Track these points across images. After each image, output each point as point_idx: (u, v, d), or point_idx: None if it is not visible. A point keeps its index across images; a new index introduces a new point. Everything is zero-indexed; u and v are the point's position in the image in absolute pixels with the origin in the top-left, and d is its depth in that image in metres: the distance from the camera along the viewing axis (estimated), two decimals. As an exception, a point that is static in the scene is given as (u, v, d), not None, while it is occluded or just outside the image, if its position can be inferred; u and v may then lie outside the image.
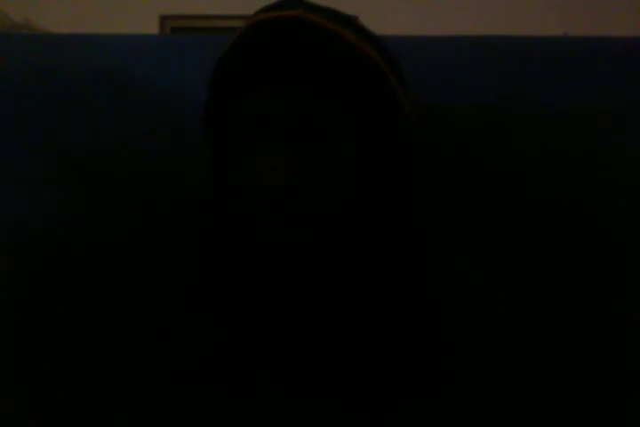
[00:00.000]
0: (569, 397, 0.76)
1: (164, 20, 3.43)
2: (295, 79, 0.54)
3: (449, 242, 0.77)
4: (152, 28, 3.36)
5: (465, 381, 0.65)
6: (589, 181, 0.88)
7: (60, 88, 0.89)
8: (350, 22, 0.62)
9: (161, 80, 0.88)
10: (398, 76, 0.64)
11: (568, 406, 0.76)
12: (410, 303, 0.64)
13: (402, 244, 0.65)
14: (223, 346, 0.65)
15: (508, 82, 0.89)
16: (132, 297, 0.77)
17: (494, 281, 0.75)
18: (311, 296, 0.61)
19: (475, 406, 0.65)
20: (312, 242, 0.56)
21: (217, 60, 0.61)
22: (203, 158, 0.65)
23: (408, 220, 0.67)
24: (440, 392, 0.64)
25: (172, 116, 0.87)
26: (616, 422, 0.78)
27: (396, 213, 0.64)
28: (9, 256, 0.84)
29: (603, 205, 0.87)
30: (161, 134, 0.88)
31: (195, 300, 0.70)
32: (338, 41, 0.58)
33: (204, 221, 0.69)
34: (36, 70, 0.89)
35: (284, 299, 0.61)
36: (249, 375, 0.63)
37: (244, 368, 0.64)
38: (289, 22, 0.56)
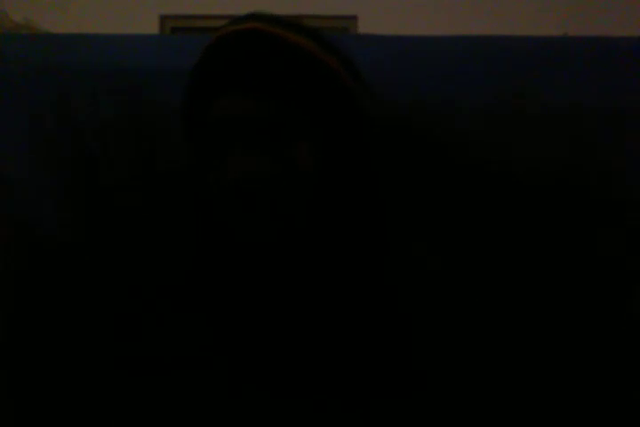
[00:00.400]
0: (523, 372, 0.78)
1: (163, 20, 3.43)
2: (257, 86, 0.60)
3: (408, 229, 0.80)
4: (152, 28, 3.36)
5: (427, 364, 0.68)
6: (589, 181, 0.88)
7: (60, 88, 0.89)
8: (310, 31, 0.66)
9: (161, 80, 0.88)
10: (355, 78, 0.68)
11: (523, 382, 0.78)
12: (370, 290, 0.67)
13: (362, 234, 0.69)
14: (210, 344, 0.68)
15: (508, 82, 0.89)
16: (120, 296, 0.78)
17: (452, 266, 0.78)
18: (281, 289, 0.66)
19: (440, 388, 0.68)
20: (282, 235, 0.63)
21: (192, 68, 0.66)
22: (183, 159, 0.71)
23: (368, 210, 0.71)
24: (406, 377, 0.66)
25: (172, 115, 0.87)
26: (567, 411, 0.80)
27: (355, 204, 0.69)
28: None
29: (602, 204, 0.87)
30: (161, 134, 0.88)
31: (182, 298, 0.72)
32: (294, 49, 0.62)
33: (190, 220, 0.74)
34: (36, 70, 0.89)
35: (257, 290, 0.66)
36: (234, 371, 0.66)
37: (229, 364, 0.67)
38: (248, 34, 0.62)
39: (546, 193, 0.87)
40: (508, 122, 0.89)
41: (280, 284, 0.67)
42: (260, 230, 0.62)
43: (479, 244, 0.84)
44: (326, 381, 0.65)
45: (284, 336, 0.66)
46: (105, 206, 0.87)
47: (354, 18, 3.38)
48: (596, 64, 0.91)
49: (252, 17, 0.65)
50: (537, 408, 0.79)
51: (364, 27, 3.31)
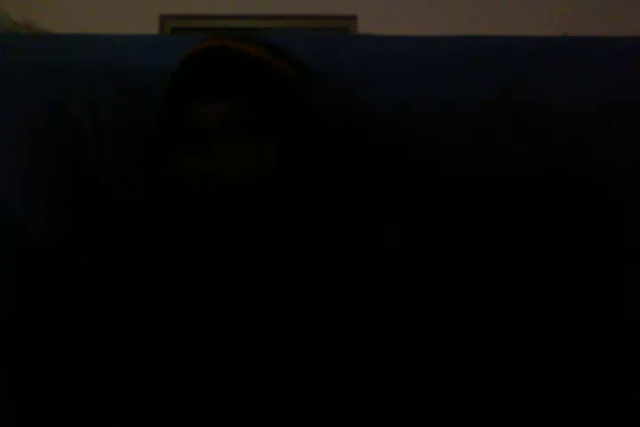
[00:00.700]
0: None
1: (163, 20, 3.44)
2: (224, 95, 0.72)
3: (380, 215, 0.84)
4: (152, 28, 3.37)
5: (402, 347, 0.72)
6: (589, 181, 0.88)
7: (60, 88, 0.89)
8: (265, 44, 0.77)
9: (161, 80, 0.88)
10: (308, 80, 0.78)
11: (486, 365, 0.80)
12: (343, 277, 0.74)
13: (331, 224, 0.78)
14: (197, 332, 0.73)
15: (508, 82, 0.89)
16: (110, 294, 0.79)
17: (422, 251, 0.82)
18: (257, 279, 0.74)
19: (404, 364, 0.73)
20: (254, 225, 0.74)
21: (170, 77, 0.77)
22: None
23: (337, 202, 0.80)
24: (379, 359, 0.71)
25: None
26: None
27: (322, 197, 0.79)
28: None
29: (601, 204, 0.87)
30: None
31: (172, 292, 0.76)
32: (253, 61, 0.74)
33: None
34: (36, 70, 0.89)
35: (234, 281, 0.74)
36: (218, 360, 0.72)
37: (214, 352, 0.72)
38: (217, 51, 0.74)
39: (545, 192, 0.87)
40: (507, 122, 0.89)
41: (256, 273, 0.75)
42: (239, 218, 0.73)
43: (468, 239, 0.86)
44: (302, 365, 0.71)
45: (263, 323, 0.73)
46: (105, 206, 0.87)
47: (354, 18, 3.38)
48: (596, 64, 0.91)
49: (218, 35, 0.77)
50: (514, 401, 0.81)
51: (364, 27, 3.32)
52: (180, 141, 0.74)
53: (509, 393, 0.81)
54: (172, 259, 0.78)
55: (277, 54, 0.77)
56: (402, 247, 0.80)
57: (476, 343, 0.79)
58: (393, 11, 3.31)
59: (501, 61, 0.91)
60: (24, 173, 0.87)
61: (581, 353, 0.83)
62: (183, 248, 0.79)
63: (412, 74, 0.90)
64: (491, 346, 0.81)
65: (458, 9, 3.30)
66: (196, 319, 0.73)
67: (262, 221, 0.74)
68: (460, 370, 0.76)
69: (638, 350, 0.83)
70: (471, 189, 0.87)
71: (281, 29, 3.00)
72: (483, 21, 2.99)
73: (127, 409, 0.73)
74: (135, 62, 0.89)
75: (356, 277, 0.74)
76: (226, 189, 0.71)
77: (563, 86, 0.89)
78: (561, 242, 0.86)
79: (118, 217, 0.87)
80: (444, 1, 3.34)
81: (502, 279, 0.84)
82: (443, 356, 0.74)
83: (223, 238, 0.75)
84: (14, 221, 0.85)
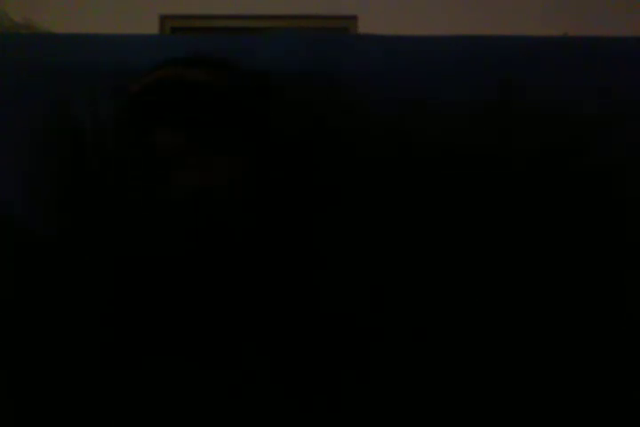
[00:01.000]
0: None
1: (163, 20, 3.44)
2: (175, 122, 0.76)
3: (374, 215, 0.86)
4: (152, 28, 3.37)
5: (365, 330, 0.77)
6: (589, 181, 0.88)
7: (60, 88, 0.89)
8: (218, 66, 0.81)
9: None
10: (263, 94, 0.83)
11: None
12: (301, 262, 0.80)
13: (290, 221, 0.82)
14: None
15: (508, 82, 0.89)
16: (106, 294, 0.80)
17: (422, 251, 0.84)
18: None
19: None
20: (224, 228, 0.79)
21: (128, 101, 0.80)
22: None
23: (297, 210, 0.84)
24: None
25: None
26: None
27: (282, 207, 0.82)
28: None
29: (601, 203, 0.87)
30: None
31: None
32: (206, 86, 0.78)
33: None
34: (36, 70, 0.89)
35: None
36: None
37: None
38: (169, 79, 0.78)
39: (545, 192, 0.87)
40: (507, 122, 0.89)
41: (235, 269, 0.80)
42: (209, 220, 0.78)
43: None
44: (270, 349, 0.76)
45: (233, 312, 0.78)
46: (105, 206, 0.87)
47: (354, 18, 3.38)
48: (596, 64, 0.91)
49: (174, 62, 0.81)
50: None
51: (364, 27, 3.32)
52: (139, 167, 0.79)
53: (508, 393, 0.81)
54: (172, 259, 0.79)
55: (226, 75, 0.81)
56: (401, 246, 0.81)
57: (463, 341, 0.80)
58: (393, 11, 3.31)
59: (501, 61, 0.91)
60: (24, 173, 0.87)
61: (581, 353, 0.83)
62: (182, 248, 0.80)
63: (412, 74, 0.90)
64: (487, 345, 0.81)
65: (458, 9, 3.30)
66: (190, 317, 0.77)
67: (229, 226, 0.79)
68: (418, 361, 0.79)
69: (638, 350, 0.83)
70: (471, 189, 0.87)
71: (281, 29, 3.00)
72: (483, 21, 2.99)
73: (127, 409, 0.73)
74: (135, 62, 0.89)
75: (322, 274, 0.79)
76: (196, 206, 0.76)
77: (563, 86, 0.89)
78: (561, 242, 0.86)
79: (118, 217, 0.87)
80: (443, 1, 3.35)
81: (502, 279, 0.84)
82: (404, 345, 0.78)
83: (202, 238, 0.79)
84: (14, 221, 0.85)
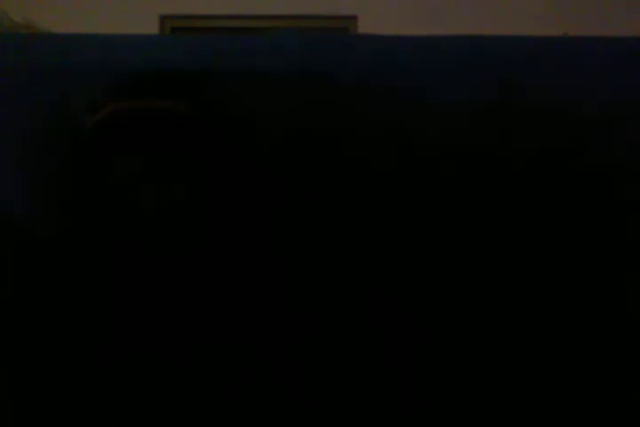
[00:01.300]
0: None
1: (163, 20, 3.43)
2: (142, 145, 0.83)
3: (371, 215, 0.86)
4: (152, 28, 3.36)
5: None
6: (589, 181, 0.88)
7: (60, 88, 0.89)
8: (179, 92, 0.86)
9: (161, 80, 0.88)
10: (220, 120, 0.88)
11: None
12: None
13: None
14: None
15: (508, 82, 0.89)
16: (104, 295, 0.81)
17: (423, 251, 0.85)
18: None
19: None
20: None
21: (94, 129, 0.85)
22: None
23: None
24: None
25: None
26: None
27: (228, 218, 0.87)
28: None
29: (601, 203, 0.87)
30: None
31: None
32: (163, 114, 0.84)
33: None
34: (36, 70, 0.89)
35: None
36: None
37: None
38: (123, 112, 0.84)
39: (545, 192, 0.87)
40: (507, 122, 0.89)
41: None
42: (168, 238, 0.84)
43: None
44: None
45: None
46: (105, 206, 0.87)
47: (354, 18, 3.38)
48: (595, 64, 0.91)
49: (140, 91, 0.86)
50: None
51: (364, 27, 3.32)
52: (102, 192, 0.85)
53: (507, 393, 0.81)
54: (170, 259, 0.80)
55: (182, 104, 0.85)
56: (401, 246, 0.82)
57: (466, 342, 0.80)
58: (393, 11, 3.31)
59: (501, 61, 0.91)
60: (24, 173, 0.87)
61: (581, 353, 0.83)
62: (182, 248, 0.81)
63: (412, 74, 0.90)
64: (487, 345, 0.81)
65: (458, 9, 3.30)
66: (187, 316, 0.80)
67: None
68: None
69: (638, 350, 0.83)
70: (471, 189, 0.87)
71: (281, 29, 3.00)
72: (483, 21, 2.99)
73: (126, 408, 0.73)
74: (135, 62, 0.89)
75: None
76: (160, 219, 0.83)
77: (563, 86, 0.89)
78: (561, 242, 0.86)
79: (118, 217, 0.87)
80: (444, 1, 3.34)
81: (502, 279, 0.84)
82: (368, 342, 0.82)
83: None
84: (14, 221, 0.85)
